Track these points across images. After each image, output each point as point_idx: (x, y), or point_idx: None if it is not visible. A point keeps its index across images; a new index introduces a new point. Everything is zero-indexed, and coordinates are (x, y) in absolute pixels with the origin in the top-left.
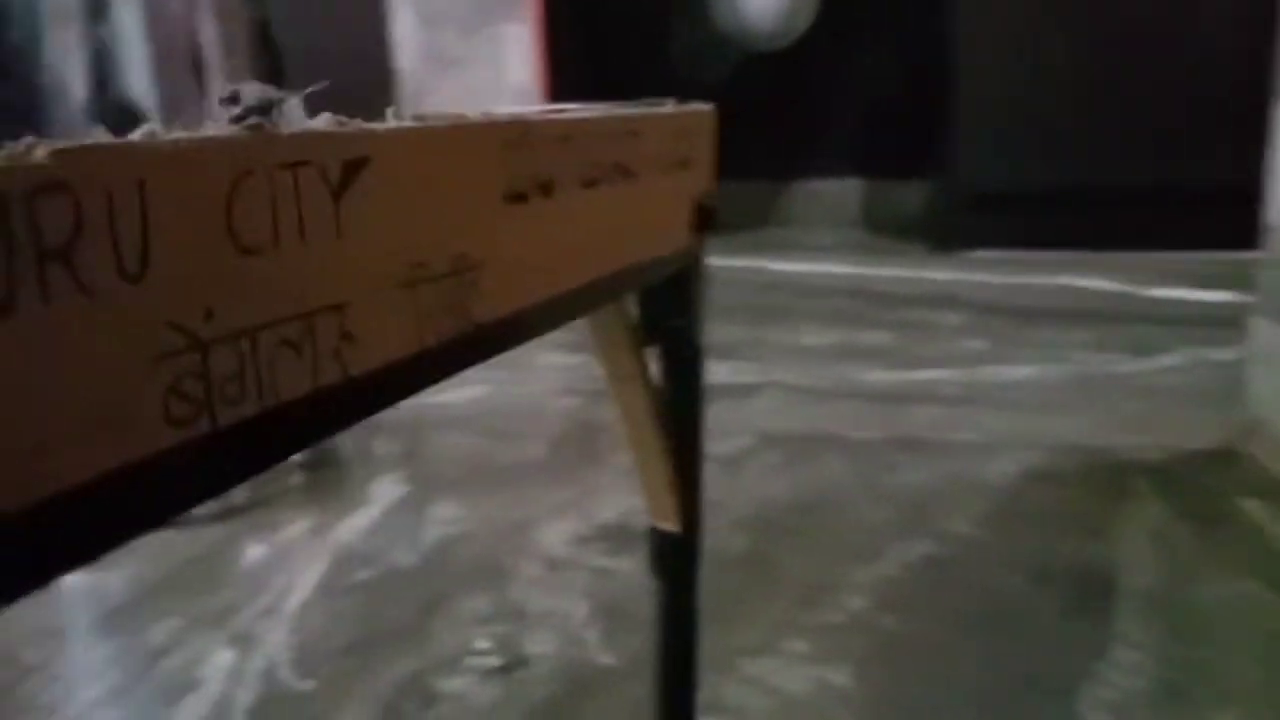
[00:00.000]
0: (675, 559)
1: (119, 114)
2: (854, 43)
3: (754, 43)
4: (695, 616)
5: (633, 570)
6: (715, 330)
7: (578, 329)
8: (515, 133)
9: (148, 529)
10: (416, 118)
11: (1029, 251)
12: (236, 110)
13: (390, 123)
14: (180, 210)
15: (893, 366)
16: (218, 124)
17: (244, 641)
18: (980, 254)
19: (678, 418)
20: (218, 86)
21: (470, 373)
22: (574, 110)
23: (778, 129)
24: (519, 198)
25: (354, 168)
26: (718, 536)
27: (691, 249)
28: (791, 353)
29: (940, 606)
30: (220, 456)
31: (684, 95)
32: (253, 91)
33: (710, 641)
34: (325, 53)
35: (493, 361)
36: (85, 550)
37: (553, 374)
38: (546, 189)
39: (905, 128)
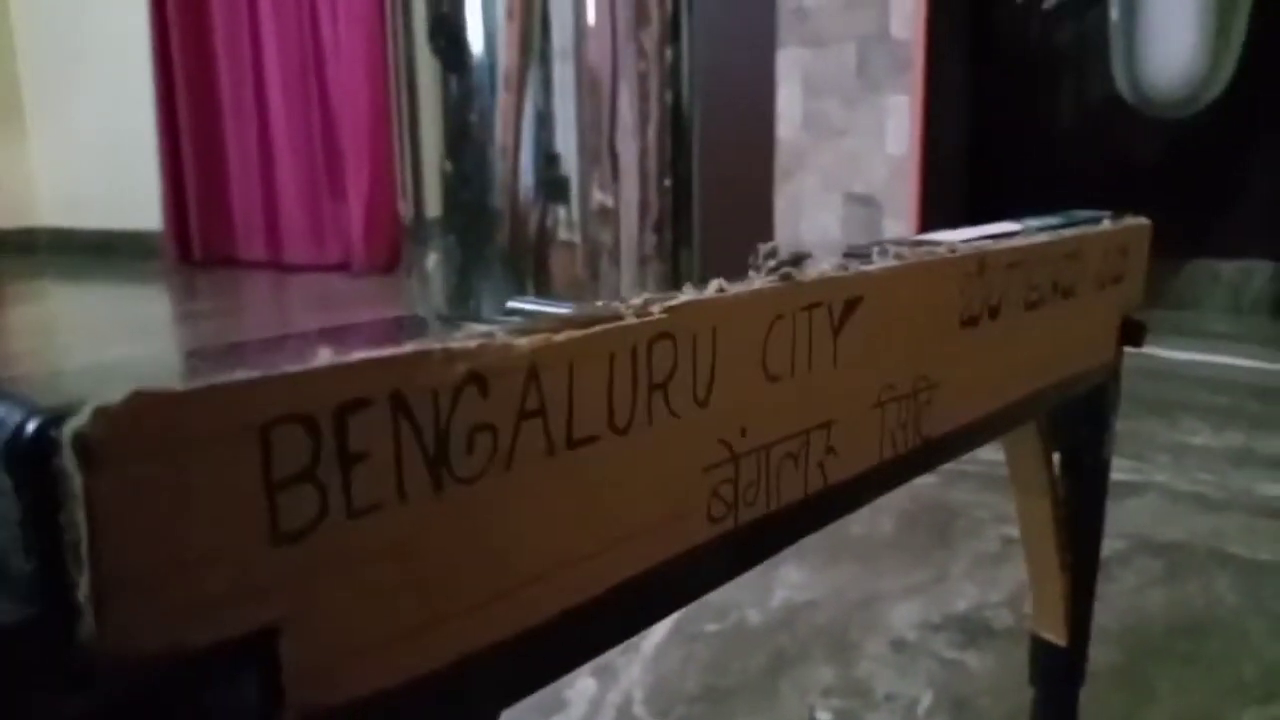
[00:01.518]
0: (1057, 672)
1: (549, 180)
2: (1273, 109)
3: (1156, 111)
4: None
5: (984, 667)
6: None
7: None
8: (974, 264)
9: (674, 611)
10: (898, 255)
11: None
12: (772, 263)
13: (877, 263)
14: (736, 348)
15: None
16: (759, 275)
17: (605, 674)
18: None
19: (1077, 530)
20: (629, 157)
21: None
22: (1022, 234)
23: (1174, 202)
24: (971, 322)
25: (851, 306)
26: None
27: (1113, 363)
28: (1177, 453)
29: None
30: (737, 550)
31: (1069, 169)
32: (783, 249)
33: None
34: (719, 122)
35: None
36: (637, 625)
37: None
38: (994, 312)
39: None
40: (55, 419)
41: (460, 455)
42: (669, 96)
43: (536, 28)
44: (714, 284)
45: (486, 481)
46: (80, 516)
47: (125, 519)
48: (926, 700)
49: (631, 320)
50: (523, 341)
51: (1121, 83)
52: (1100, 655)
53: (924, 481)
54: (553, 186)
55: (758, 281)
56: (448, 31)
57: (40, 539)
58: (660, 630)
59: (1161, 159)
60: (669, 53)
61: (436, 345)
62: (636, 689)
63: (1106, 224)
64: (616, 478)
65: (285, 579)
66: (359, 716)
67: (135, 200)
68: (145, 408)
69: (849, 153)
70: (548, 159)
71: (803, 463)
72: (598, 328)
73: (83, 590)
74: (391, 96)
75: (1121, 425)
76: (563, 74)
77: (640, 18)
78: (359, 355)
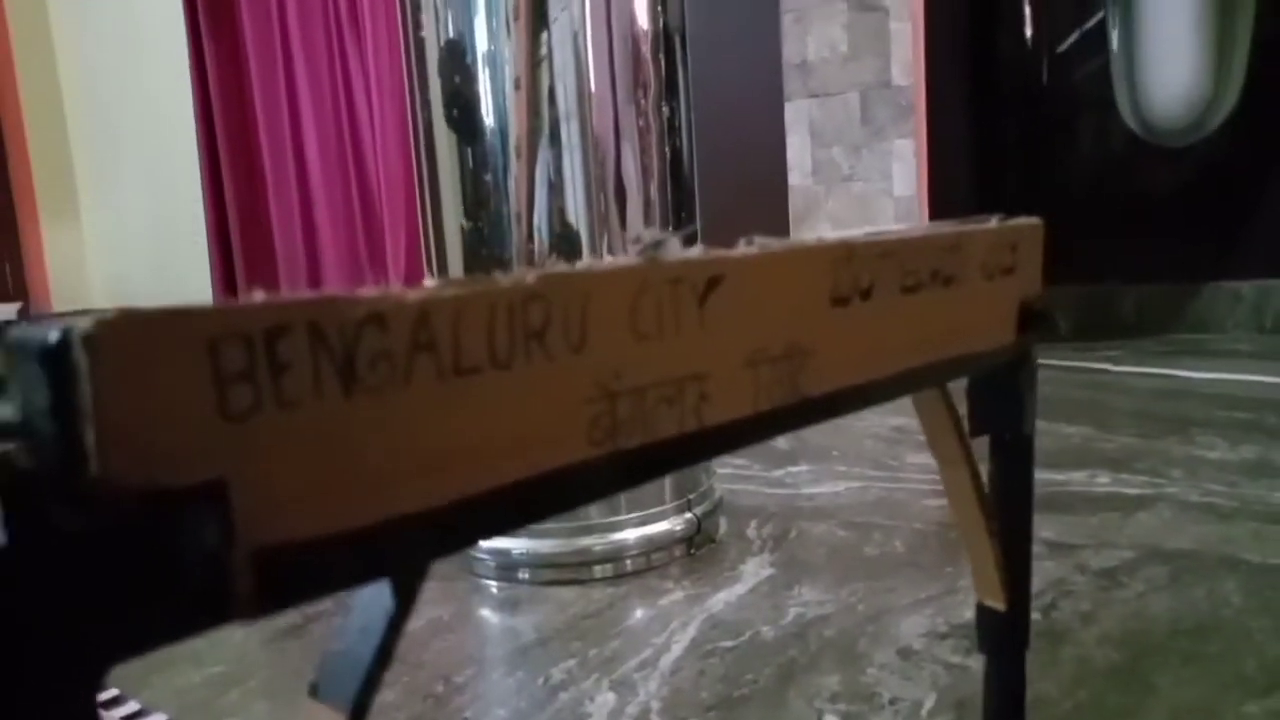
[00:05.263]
0: (1002, 635)
1: (561, 237)
2: None
3: (1162, 139)
4: (1022, 692)
5: None
6: (1108, 439)
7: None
8: (841, 252)
9: (565, 510)
10: (762, 245)
11: None
12: (638, 246)
13: (740, 250)
14: (605, 310)
15: None
16: (628, 254)
17: (624, 688)
18: None
19: (1005, 500)
20: (635, 210)
21: (841, 468)
22: (900, 230)
23: (1191, 227)
24: (842, 301)
25: (713, 283)
26: (1087, 646)
27: (1016, 347)
28: (1191, 466)
29: None
30: (617, 469)
31: (1080, 202)
32: (650, 234)
33: None
34: (728, 174)
35: (862, 459)
36: (531, 516)
37: (921, 475)
38: (866, 294)
39: None
40: (71, 329)
41: (365, 371)
42: (669, 151)
43: (544, 96)
44: (584, 261)
45: (389, 393)
46: (87, 392)
47: (116, 395)
48: (930, 702)
49: (506, 284)
50: (414, 294)
51: (1126, 113)
52: (1100, 655)
53: (936, 503)
54: (564, 244)
55: (623, 260)
56: (461, 103)
57: (62, 408)
58: (677, 648)
59: (1175, 187)
60: (666, 110)
61: (345, 293)
62: (654, 701)
63: (993, 223)
64: (502, 400)
65: (232, 446)
66: (298, 554)
67: (184, 280)
68: (129, 321)
69: (858, 197)
70: (559, 219)
71: (678, 406)
72: (477, 288)
73: (89, 441)
74: (413, 167)
75: (1137, 443)
76: (569, 137)
77: (638, 79)
78: (285, 297)
